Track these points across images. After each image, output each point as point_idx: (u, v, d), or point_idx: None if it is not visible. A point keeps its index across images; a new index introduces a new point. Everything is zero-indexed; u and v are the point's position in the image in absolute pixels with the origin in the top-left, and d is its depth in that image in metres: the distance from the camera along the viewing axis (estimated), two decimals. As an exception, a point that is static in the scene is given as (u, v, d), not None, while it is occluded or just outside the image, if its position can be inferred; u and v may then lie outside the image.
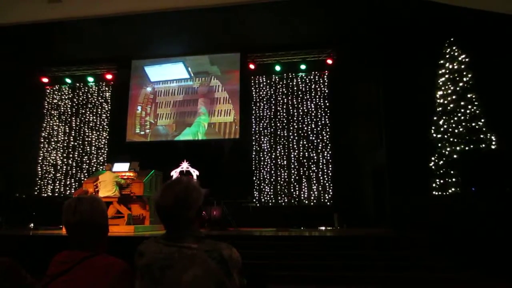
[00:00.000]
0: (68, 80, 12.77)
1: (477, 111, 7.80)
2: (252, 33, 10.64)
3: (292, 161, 11.10)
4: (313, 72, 11.48)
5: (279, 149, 11.24)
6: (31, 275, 1.55)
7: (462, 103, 7.92)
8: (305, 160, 11.02)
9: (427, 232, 6.45)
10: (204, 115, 11.80)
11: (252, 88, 11.78)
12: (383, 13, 9.21)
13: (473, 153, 7.48)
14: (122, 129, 12.18)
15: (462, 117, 7.85)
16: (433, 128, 8.29)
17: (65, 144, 12.46)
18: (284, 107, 11.49)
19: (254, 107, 11.64)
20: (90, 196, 1.59)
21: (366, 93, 10.57)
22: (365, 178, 10.48)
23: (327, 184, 10.75)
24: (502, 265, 4.97)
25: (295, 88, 11.53)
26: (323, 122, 11.16)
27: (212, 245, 1.35)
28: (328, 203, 10.58)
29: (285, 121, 11.38)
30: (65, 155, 12.37)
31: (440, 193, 7.80)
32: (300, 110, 11.35)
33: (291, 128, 11.30)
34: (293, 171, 11.03)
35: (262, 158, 11.28)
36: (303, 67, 11.48)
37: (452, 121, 7.95)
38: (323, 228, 9.59)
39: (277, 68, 11.57)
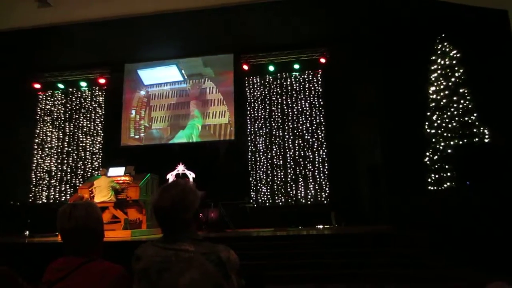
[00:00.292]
0: (60, 86, 12.69)
1: (470, 106, 7.86)
2: (245, 34, 10.64)
3: (288, 160, 11.11)
4: (307, 72, 11.51)
5: (274, 149, 11.26)
6: (28, 282, 1.54)
7: (454, 98, 7.97)
8: (301, 159, 11.04)
9: (424, 229, 6.48)
10: (197, 117, 11.78)
11: (246, 89, 11.78)
12: (376, 11, 9.25)
13: (467, 147, 7.54)
14: (117, 134, 12.12)
15: (455, 112, 7.90)
16: (426, 123, 8.35)
17: (59, 150, 12.37)
18: (279, 107, 11.51)
19: (248, 108, 11.64)
20: (85, 202, 1.58)
21: (361, 91, 10.60)
22: (361, 176, 10.52)
23: (323, 183, 10.78)
24: (499, 261, 5.00)
25: (289, 88, 11.56)
26: (318, 121, 11.19)
27: (209, 247, 1.35)
28: (325, 202, 10.61)
29: (280, 121, 11.40)
30: (59, 161, 12.29)
31: (435, 188, 7.86)
32: (294, 110, 11.38)
33: (286, 127, 11.32)
34: (289, 171, 11.05)
35: (258, 159, 11.29)
36: (296, 66, 11.51)
37: (445, 116, 8.00)
38: (320, 226, 9.62)
39: (271, 68, 11.59)
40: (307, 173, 10.92)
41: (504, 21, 6.83)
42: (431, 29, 8.64)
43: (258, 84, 11.77)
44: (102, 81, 12.40)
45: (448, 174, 7.65)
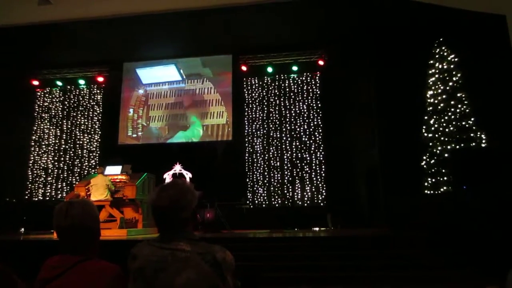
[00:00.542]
0: (59, 83, 12.65)
1: (467, 110, 7.90)
2: (244, 35, 10.65)
3: (285, 162, 11.11)
4: (305, 73, 11.53)
5: (272, 151, 11.25)
6: (23, 280, 1.54)
7: (452, 102, 8.01)
8: (298, 161, 11.04)
9: (421, 231, 6.50)
10: (196, 123, 11.76)
11: (245, 90, 11.78)
12: (374, 14, 9.28)
13: (464, 152, 7.56)
14: (114, 132, 12.09)
15: (452, 116, 7.93)
16: (424, 127, 8.37)
17: (56, 148, 12.32)
18: (277, 108, 11.51)
19: (246, 109, 11.64)
20: (82, 200, 1.58)
21: (358, 94, 10.62)
22: (358, 178, 10.53)
23: (320, 185, 10.78)
24: (496, 262, 5.02)
25: (287, 90, 11.56)
26: (315, 123, 11.20)
27: (205, 247, 1.35)
28: (322, 204, 10.60)
29: (277, 123, 11.40)
30: (56, 158, 12.24)
31: (432, 192, 7.88)
32: (292, 111, 11.38)
33: (284, 129, 11.32)
34: (286, 172, 11.04)
35: (255, 160, 11.28)
36: (295, 68, 11.51)
37: (442, 120, 8.04)
38: (317, 229, 9.62)
39: (269, 69, 11.59)
40: (304, 175, 10.92)
41: (502, 26, 6.87)
42: (429, 33, 8.67)
43: (256, 85, 11.78)
44: (100, 79, 12.37)
45: (445, 178, 7.68)
